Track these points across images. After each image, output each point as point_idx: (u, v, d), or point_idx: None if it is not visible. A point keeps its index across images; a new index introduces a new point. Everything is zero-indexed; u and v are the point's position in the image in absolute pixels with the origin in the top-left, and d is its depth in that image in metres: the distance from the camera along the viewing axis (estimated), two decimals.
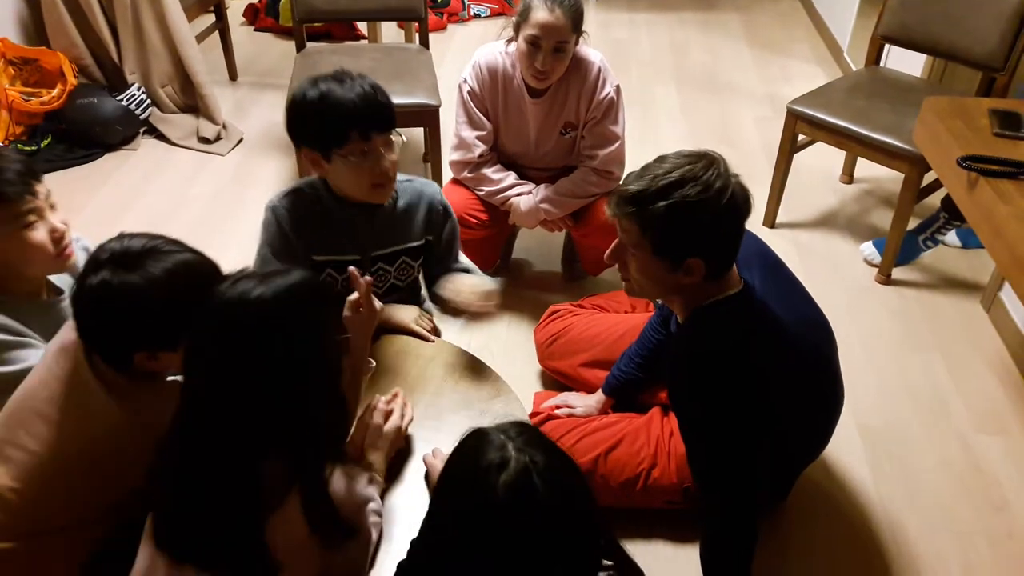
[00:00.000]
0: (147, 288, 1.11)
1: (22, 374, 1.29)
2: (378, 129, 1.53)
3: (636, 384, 1.95)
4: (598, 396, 2.00)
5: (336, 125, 1.51)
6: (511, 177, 2.38)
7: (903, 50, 2.92)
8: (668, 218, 1.35)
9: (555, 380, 2.22)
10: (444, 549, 1.00)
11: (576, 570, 0.99)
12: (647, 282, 1.46)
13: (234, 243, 2.81)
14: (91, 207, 2.99)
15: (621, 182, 1.43)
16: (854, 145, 2.67)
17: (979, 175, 1.72)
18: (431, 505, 1.06)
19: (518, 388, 1.72)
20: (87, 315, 1.15)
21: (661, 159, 1.41)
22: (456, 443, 1.02)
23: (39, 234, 1.39)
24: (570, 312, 2.19)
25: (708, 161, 1.37)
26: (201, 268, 1.18)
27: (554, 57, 2.13)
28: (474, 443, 0.99)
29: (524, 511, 0.93)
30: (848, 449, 2.12)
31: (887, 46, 2.96)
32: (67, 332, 1.22)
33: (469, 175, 2.38)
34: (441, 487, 1.04)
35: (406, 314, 1.72)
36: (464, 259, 1.89)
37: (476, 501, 0.95)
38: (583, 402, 2.01)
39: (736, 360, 1.44)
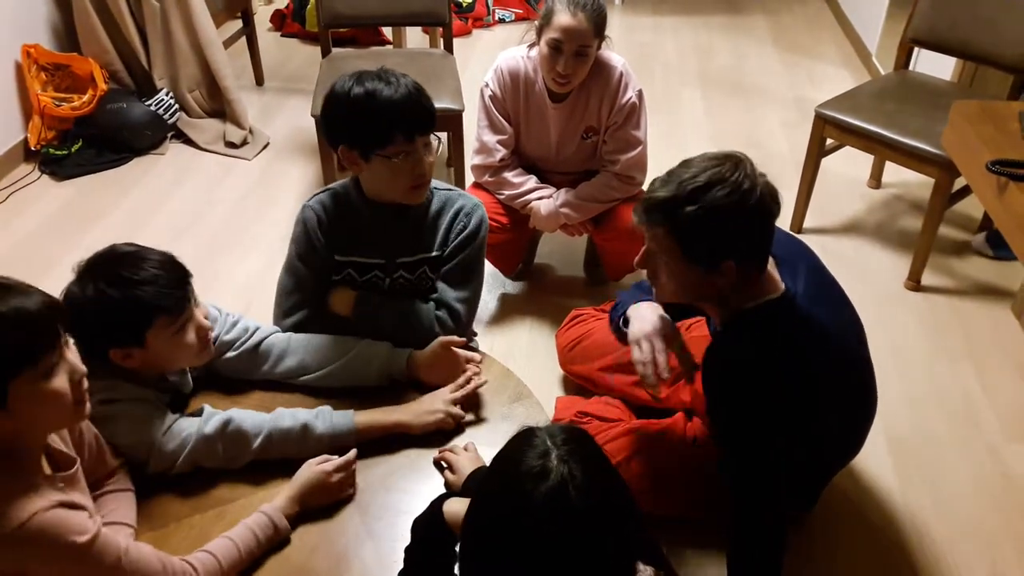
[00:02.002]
0: None
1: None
2: (421, 131, 1.53)
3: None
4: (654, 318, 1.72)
5: (381, 126, 1.50)
6: (532, 181, 2.38)
7: (932, 53, 2.87)
8: (699, 223, 1.33)
9: (577, 384, 2.21)
10: (475, 543, 1.02)
11: None
12: (678, 288, 1.45)
13: (259, 246, 2.84)
14: (120, 211, 3.03)
15: (646, 188, 1.41)
16: (883, 149, 2.63)
17: (1009, 179, 1.69)
18: (473, 495, 1.07)
19: (540, 392, 1.72)
20: None
21: (686, 163, 1.38)
22: (508, 440, 1.04)
23: (190, 336, 1.39)
24: (592, 316, 2.18)
25: (734, 163, 1.35)
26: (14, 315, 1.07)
27: (575, 61, 2.13)
28: (519, 444, 0.99)
29: (557, 524, 0.94)
30: (875, 457, 2.09)
31: (916, 49, 2.92)
32: None
33: (490, 179, 2.38)
34: (484, 481, 1.05)
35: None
36: (455, 302, 1.68)
37: (511, 506, 0.96)
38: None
39: (777, 367, 1.42)
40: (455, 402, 1.55)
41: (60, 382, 1.09)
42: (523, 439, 1.00)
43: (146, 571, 1.15)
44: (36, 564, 1.09)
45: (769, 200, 1.35)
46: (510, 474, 0.97)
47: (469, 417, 1.57)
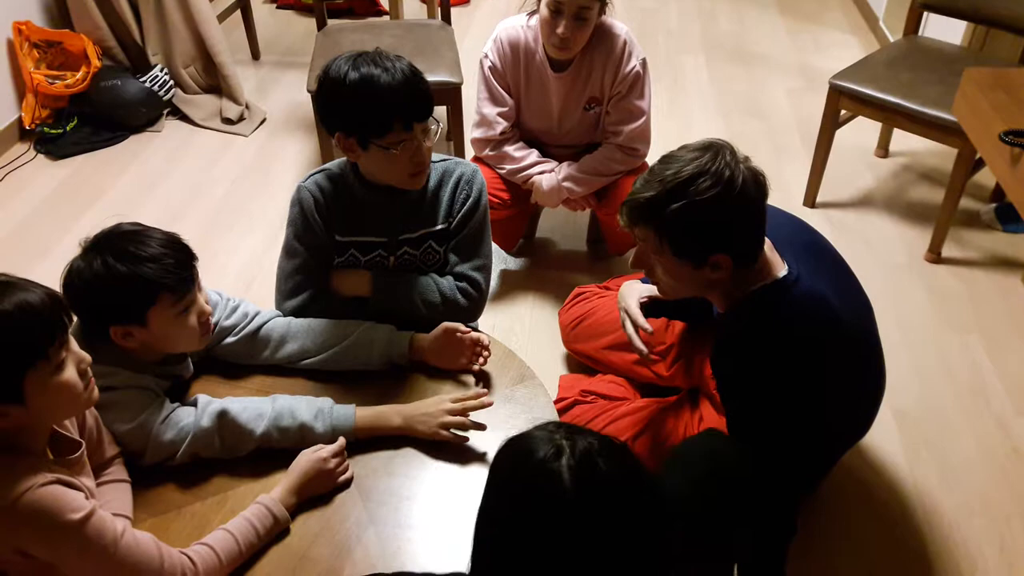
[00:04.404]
0: None
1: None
2: (420, 118, 1.49)
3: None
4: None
5: (379, 115, 1.45)
6: (533, 155, 2.34)
7: (941, 18, 2.80)
8: (685, 219, 1.31)
9: (580, 363, 2.19)
10: (505, 557, 0.94)
11: (650, 552, 0.92)
12: (677, 283, 1.42)
13: (258, 223, 2.81)
14: (117, 190, 2.99)
15: (631, 190, 1.38)
16: (903, 120, 2.57)
17: (1022, 150, 1.64)
18: (481, 519, 0.97)
19: (543, 371, 1.69)
20: None
21: (666, 159, 1.36)
22: (496, 454, 0.96)
23: (191, 318, 1.37)
24: (595, 294, 2.15)
25: (714, 152, 1.32)
26: (21, 307, 1.07)
27: (575, 24, 2.07)
28: (519, 445, 0.93)
29: (594, 494, 0.88)
30: (882, 433, 2.07)
31: (925, 14, 2.85)
32: None
33: (491, 153, 2.34)
34: (492, 497, 0.95)
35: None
36: (472, 271, 1.67)
37: (541, 496, 0.88)
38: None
39: (782, 347, 1.39)
40: (457, 413, 1.46)
41: (70, 372, 1.11)
42: (517, 441, 0.94)
43: (142, 556, 1.14)
44: (30, 540, 1.10)
45: (752, 186, 1.32)
46: (524, 469, 0.90)
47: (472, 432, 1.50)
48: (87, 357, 1.15)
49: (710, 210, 1.30)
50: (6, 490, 1.06)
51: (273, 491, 1.32)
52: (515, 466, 0.93)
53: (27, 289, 1.08)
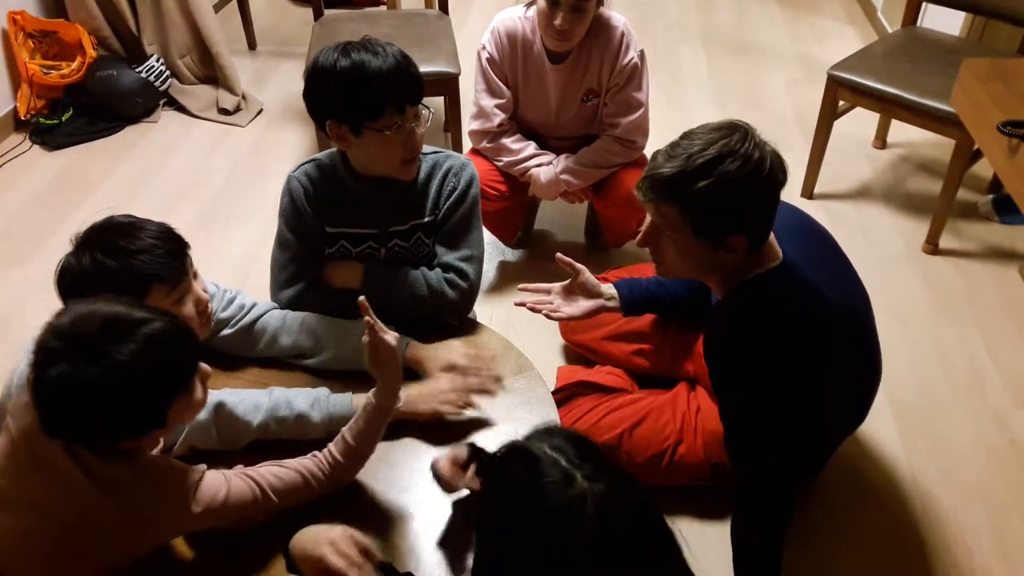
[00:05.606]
0: (114, 381, 1.02)
1: None
2: (412, 101, 1.49)
3: (652, 305, 1.86)
4: (609, 290, 1.82)
5: (371, 97, 1.45)
6: (531, 147, 2.33)
7: (939, 8, 2.80)
8: (711, 198, 1.28)
9: (578, 354, 2.19)
10: None
11: None
12: (686, 264, 1.41)
13: (255, 214, 2.81)
14: (113, 181, 2.98)
15: (649, 164, 1.36)
16: (901, 111, 2.56)
17: (1021, 141, 1.64)
18: (481, 548, 0.96)
19: (541, 362, 1.69)
20: (51, 411, 1.04)
21: (689, 135, 1.33)
22: (499, 462, 0.92)
23: (188, 308, 1.36)
24: None
25: (742, 133, 1.30)
26: (173, 335, 1.08)
27: (573, 16, 2.06)
28: (530, 474, 0.88)
29: (615, 551, 0.85)
30: (880, 424, 2.07)
31: (924, 4, 2.85)
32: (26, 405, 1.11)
33: (488, 145, 2.33)
34: (495, 527, 0.93)
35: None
36: (459, 261, 1.65)
37: (556, 548, 0.86)
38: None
39: (781, 334, 1.39)
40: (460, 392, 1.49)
41: (199, 392, 1.15)
42: (529, 466, 0.89)
43: (288, 483, 1.25)
44: (202, 525, 1.20)
45: (777, 170, 1.31)
46: (536, 509, 0.87)
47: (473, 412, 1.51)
48: (208, 370, 1.15)
49: (738, 191, 1.28)
50: (191, 496, 1.16)
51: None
52: (520, 501, 0.90)
53: (151, 318, 1.06)
